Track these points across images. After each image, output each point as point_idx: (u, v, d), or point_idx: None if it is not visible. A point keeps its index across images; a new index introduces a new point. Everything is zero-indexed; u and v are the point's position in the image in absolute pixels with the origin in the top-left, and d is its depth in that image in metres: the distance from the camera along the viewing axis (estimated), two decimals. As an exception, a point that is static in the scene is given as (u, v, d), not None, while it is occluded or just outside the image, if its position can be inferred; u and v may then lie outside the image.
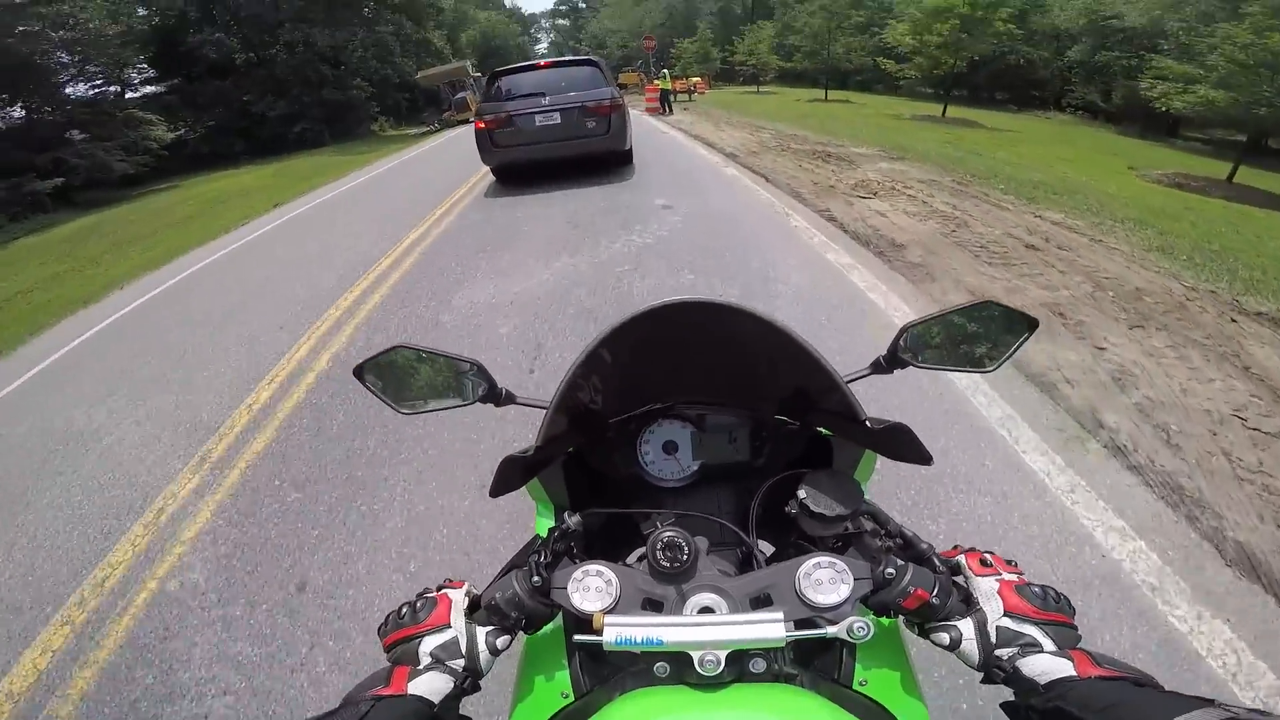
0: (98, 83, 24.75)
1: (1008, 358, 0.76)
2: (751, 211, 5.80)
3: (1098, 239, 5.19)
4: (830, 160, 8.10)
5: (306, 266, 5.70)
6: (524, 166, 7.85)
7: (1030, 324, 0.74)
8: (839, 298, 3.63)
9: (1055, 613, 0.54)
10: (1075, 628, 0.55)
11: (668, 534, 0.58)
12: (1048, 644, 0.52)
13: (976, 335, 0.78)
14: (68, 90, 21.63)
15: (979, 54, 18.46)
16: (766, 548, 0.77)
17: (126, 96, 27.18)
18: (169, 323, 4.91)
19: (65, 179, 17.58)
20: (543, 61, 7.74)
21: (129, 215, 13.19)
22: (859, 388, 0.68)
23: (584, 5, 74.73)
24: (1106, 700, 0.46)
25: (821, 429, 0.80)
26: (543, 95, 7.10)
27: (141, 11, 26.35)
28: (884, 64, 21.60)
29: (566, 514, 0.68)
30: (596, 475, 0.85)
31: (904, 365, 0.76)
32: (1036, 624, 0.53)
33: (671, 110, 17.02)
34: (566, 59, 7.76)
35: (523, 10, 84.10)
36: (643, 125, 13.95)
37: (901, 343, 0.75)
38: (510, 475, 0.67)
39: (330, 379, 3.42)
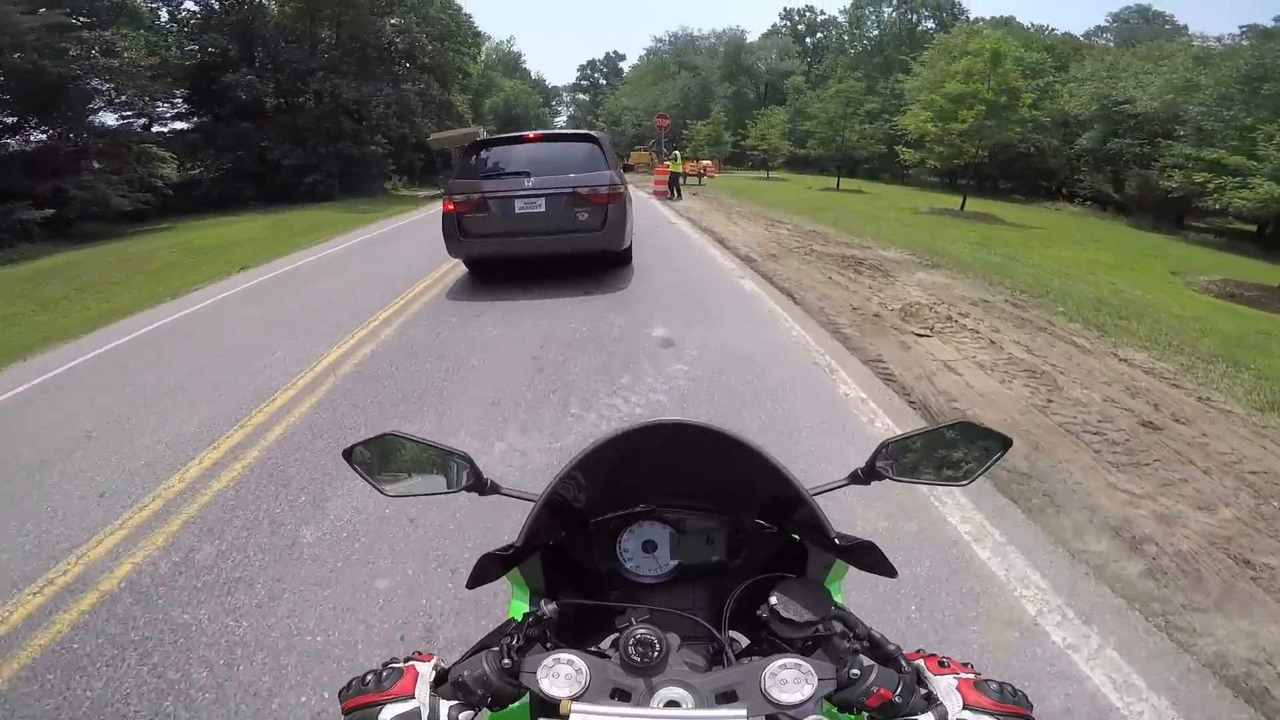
0: (127, 113, 24.94)
1: (982, 473, 0.81)
2: (783, 359, 4.33)
3: (1203, 396, 4.14)
4: (863, 270, 7.08)
5: (196, 380, 4.50)
6: (497, 262, 6.74)
7: (1004, 442, 0.80)
8: (947, 571, 2.20)
9: (1013, 705, 0.57)
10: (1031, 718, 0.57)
11: (641, 630, 0.60)
12: None
13: (952, 451, 0.83)
14: (95, 118, 21.35)
15: (1005, 141, 17.98)
16: (742, 639, 0.80)
17: (153, 130, 27.47)
18: (28, 434, 3.82)
19: (58, 210, 17.09)
20: (533, 134, 6.52)
21: (109, 256, 12.65)
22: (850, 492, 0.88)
23: (604, 82, 78.28)
24: None
25: (796, 535, 0.84)
26: (527, 175, 5.91)
27: (190, 46, 27.17)
28: (904, 152, 21.26)
29: (543, 601, 0.67)
30: (574, 562, 0.87)
31: (880, 478, 0.81)
32: (994, 715, 0.56)
33: (680, 195, 16.27)
34: (561, 132, 6.80)
35: (546, 82, 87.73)
36: (647, 212, 13.10)
37: (879, 457, 0.80)
38: (489, 569, 0.72)
39: (112, 611, 2.17)
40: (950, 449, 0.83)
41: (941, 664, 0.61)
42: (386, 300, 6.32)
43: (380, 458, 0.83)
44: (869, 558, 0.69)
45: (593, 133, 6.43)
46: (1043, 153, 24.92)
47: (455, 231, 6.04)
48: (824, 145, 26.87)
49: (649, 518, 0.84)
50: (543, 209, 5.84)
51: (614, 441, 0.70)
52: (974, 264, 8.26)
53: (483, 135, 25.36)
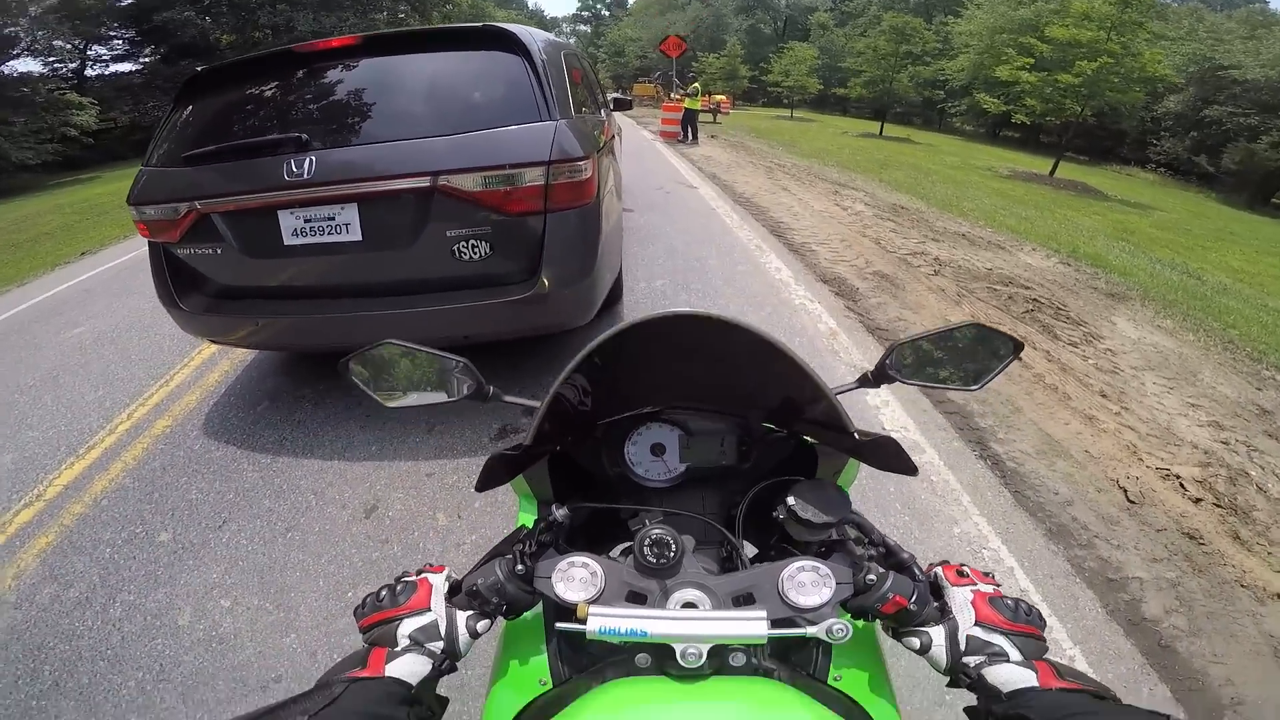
0: (51, 59, 22.88)
1: (993, 377, 0.79)
2: None
3: None
4: (1044, 317, 3.83)
5: None
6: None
7: (1016, 346, 0.77)
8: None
9: (1025, 624, 0.56)
10: (1043, 639, 0.56)
11: (656, 531, 0.59)
12: (1014, 654, 0.53)
13: (963, 355, 0.81)
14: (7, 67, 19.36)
15: (1129, 102, 14.06)
16: (751, 549, 0.77)
17: (88, 74, 25.17)
18: None
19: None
20: (339, 40, 2.35)
21: None
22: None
23: (607, 13, 70.83)
24: (1066, 710, 0.47)
25: (807, 438, 0.81)
26: (301, 144, 2.16)
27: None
28: (985, 101, 17.15)
29: (554, 506, 0.66)
30: (582, 471, 0.85)
31: (890, 380, 0.79)
32: (1005, 634, 0.54)
33: (696, 137, 12.41)
34: (422, 31, 2.37)
35: (545, 13, 79.34)
36: (652, 163, 9.40)
37: (889, 360, 0.78)
38: (497, 472, 0.68)
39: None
40: (960, 351, 0.81)
41: (960, 573, 0.60)
42: (99, 424, 2.88)
43: (378, 368, 0.80)
44: (887, 454, 0.65)
45: (513, 30, 2.33)
46: (1116, 112, 21.17)
47: (169, 287, 2.48)
48: (869, 88, 22.48)
49: (657, 419, 0.81)
50: (358, 236, 2.21)
51: (620, 335, 0.66)
52: (1166, 293, 5.17)
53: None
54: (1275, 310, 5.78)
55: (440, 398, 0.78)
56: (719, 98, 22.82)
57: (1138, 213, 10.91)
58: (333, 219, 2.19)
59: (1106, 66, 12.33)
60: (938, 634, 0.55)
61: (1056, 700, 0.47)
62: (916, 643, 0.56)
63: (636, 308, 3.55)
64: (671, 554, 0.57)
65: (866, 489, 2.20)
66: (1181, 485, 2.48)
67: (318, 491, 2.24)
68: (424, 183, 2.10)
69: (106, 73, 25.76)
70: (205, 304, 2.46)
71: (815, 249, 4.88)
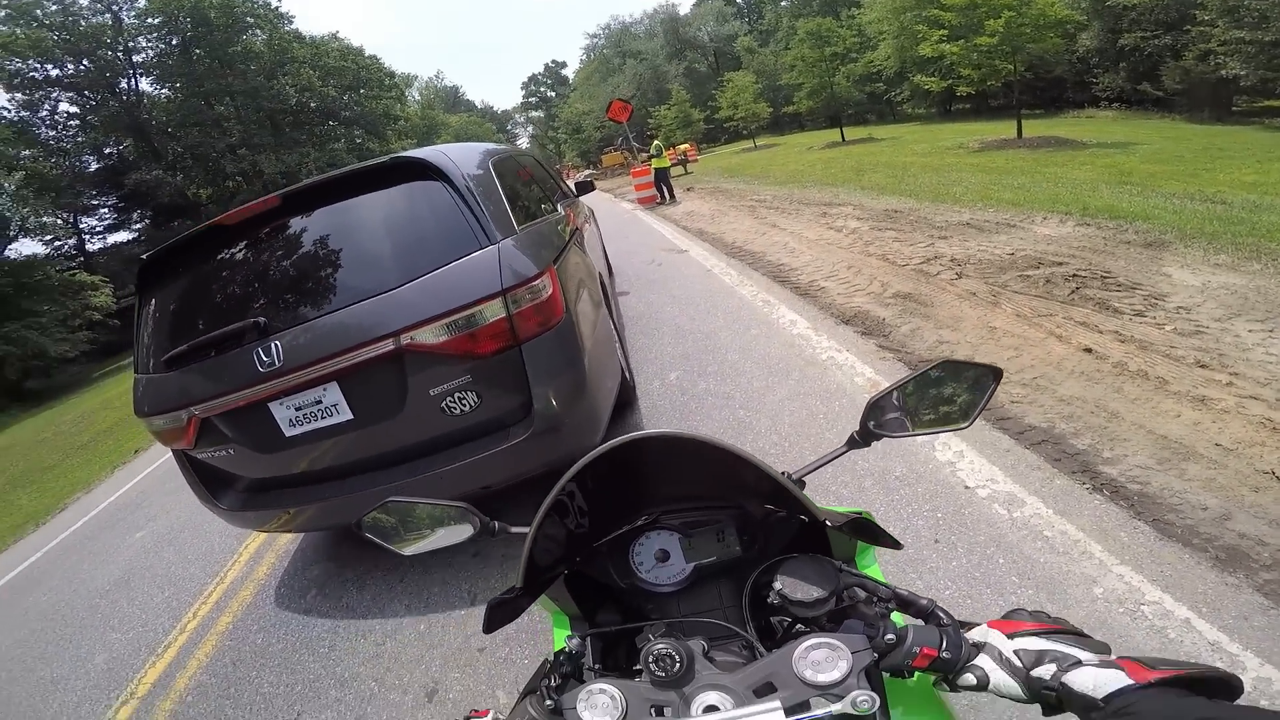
0: (48, 237, 23.22)
1: (980, 411, 0.79)
2: None
3: None
4: (1094, 291, 3.53)
5: None
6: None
7: (995, 374, 0.78)
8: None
9: (1051, 623, 0.54)
10: (1089, 636, 0.52)
11: (658, 646, 0.60)
12: (1084, 655, 0.49)
13: (944, 394, 0.81)
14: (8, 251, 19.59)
15: (1051, 49, 14.19)
16: (779, 627, 0.76)
17: (90, 249, 25.89)
18: None
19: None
20: (262, 201, 2.21)
21: (38, 433, 11.34)
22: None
23: (553, 94, 74.43)
24: (1185, 714, 0.40)
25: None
26: (261, 333, 2.06)
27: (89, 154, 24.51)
28: (925, 82, 17.45)
29: (567, 637, 0.71)
30: (601, 583, 0.87)
31: (878, 437, 0.81)
32: (1046, 636, 0.52)
33: (673, 195, 12.42)
34: (335, 177, 2.22)
35: (495, 109, 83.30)
36: (636, 235, 9.32)
37: (870, 415, 0.81)
38: (499, 615, 0.73)
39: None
40: (940, 389, 0.81)
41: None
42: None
43: (389, 524, 0.86)
44: (864, 533, 0.69)
45: (424, 155, 2.20)
46: (1045, 62, 21.48)
47: (203, 489, 2.49)
48: (814, 95, 23.07)
49: (654, 528, 0.83)
50: (349, 415, 2.11)
51: (590, 465, 0.69)
52: (1203, 226, 4.92)
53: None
54: None
55: (450, 540, 0.84)
56: (684, 147, 23.42)
57: (1122, 152, 10.71)
58: (320, 402, 2.12)
59: (1013, 20, 12.51)
60: (985, 662, 0.54)
61: (1170, 702, 0.42)
62: (972, 679, 0.54)
63: (655, 410, 3.37)
64: (677, 665, 0.58)
65: (969, 566, 1.93)
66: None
67: (378, 678, 2.22)
68: (389, 346, 2.00)
69: (107, 245, 26.53)
70: (241, 500, 2.46)
71: (824, 285, 4.67)
